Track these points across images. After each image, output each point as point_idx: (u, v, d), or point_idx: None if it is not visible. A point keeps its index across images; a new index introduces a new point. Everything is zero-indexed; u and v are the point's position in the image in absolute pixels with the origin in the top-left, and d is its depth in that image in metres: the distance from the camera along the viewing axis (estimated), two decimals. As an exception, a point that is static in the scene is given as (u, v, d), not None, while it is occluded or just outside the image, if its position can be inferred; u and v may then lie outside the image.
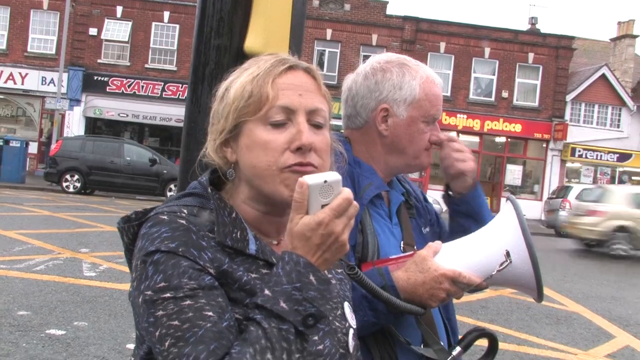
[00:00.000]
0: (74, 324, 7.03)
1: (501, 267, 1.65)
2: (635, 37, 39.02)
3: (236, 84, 1.39)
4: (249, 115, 1.35)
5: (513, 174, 36.15)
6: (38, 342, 6.31)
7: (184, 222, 1.28)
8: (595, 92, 36.33)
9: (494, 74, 36.04)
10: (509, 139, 36.41)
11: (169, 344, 1.18)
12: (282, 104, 1.35)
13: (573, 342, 8.21)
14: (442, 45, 35.75)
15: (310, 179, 1.24)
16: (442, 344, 1.89)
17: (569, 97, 36.24)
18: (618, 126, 37.03)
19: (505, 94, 35.74)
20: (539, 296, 1.72)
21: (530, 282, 1.69)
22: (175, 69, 34.12)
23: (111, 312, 7.61)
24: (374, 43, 34.84)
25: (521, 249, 1.66)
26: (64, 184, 24.72)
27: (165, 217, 1.28)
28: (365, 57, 2.21)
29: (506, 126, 35.56)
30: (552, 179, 35.68)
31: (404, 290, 1.74)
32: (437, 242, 1.82)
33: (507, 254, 1.66)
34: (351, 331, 1.47)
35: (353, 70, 2.11)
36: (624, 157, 36.56)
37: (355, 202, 1.27)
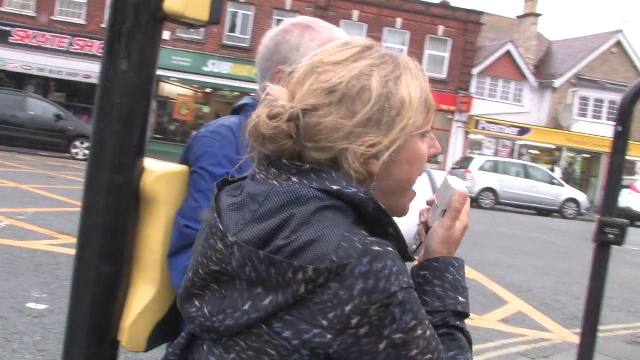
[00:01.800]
0: (-27, 280, 6.86)
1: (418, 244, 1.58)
2: (538, 15, 40.13)
3: (405, 92, 1.24)
4: (421, 128, 1.28)
5: (419, 143, 36.70)
6: None
7: (390, 249, 1.15)
8: (500, 68, 37.37)
9: (404, 45, 36.48)
10: (416, 110, 36.95)
11: None
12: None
13: (470, 307, 8.51)
14: (355, 13, 35.91)
15: (466, 189, 1.39)
16: None
17: (475, 71, 37.14)
18: (520, 101, 38.29)
19: (414, 65, 36.20)
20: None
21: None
22: (84, 23, 32.91)
23: (12, 271, 7.44)
24: (287, 7, 34.66)
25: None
26: (-39, 138, 23.64)
27: (379, 249, 1.12)
28: (279, 22, 2.16)
29: (415, 97, 36.04)
30: (456, 150, 36.62)
31: None
32: None
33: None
34: None
35: (266, 34, 2.08)
36: (524, 131, 37.83)
37: None
